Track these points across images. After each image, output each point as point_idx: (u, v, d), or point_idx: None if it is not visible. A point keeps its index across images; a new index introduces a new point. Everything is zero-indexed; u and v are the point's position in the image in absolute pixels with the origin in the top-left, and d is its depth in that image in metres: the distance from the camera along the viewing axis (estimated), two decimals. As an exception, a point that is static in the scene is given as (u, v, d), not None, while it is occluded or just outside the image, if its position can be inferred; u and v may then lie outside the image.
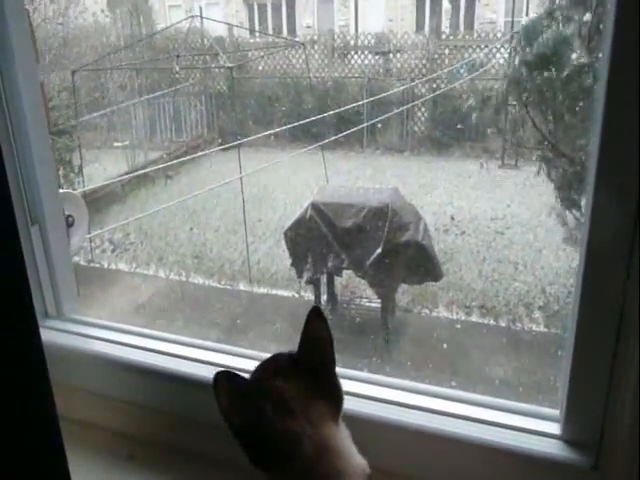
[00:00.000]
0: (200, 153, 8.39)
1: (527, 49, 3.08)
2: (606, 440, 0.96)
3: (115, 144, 7.70)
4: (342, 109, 6.28)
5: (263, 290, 5.03)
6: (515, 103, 8.40)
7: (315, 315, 0.82)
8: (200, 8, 9.12)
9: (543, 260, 5.54)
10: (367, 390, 1.16)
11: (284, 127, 8.73)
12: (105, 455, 1.25)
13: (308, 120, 6.81)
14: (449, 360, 3.99)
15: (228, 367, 1.18)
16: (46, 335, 0.85)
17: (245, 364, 1.21)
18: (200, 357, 1.32)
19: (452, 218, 6.67)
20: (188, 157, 7.86)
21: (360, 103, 7.54)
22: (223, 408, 0.79)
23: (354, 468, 0.77)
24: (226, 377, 0.78)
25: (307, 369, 0.82)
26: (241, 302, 4.88)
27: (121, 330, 1.44)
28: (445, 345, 4.18)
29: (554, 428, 1.04)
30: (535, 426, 1.05)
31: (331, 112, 6.00)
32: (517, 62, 3.29)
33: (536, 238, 6.07)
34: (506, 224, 6.49)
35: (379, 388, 1.17)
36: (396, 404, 1.12)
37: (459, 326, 4.45)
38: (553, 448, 1.01)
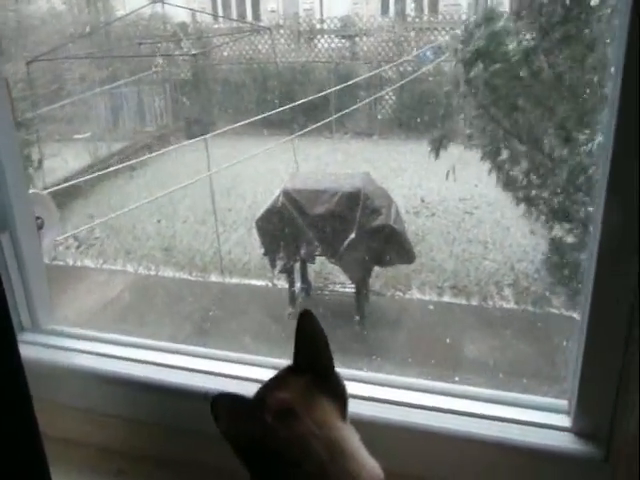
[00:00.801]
0: (170, 147, 8.21)
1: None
2: (617, 431, 0.95)
3: (76, 136, 7.45)
4: (311, 97, 6.19)
5: (236, 280, 4.97)
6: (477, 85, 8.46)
7: (306, 317, 0.80)
8: (159, -7, 8.90)
9: (511, 238, 5.62)
10: (365, 391, 1.13)
11: (255, 117, 8.63)
12: (94, 472, 1.20)
13: (278, 110, 6.70)
14: (424, 342, 4.02)
15: (216, 373, 1.17)
16: (22, 350, 0.80)
17: (233, 369, 1.17)
18: (186, 365, 1.27)
19: (422, 200, 6.70)
20: (154, 154, 7.67)
21: (330, 91, 7.46)
22: (224, 431, 0.76)
23: (368, 472, 0.73)
24: (224, 400, 0.76)
25: (306, 373, 0.80)
26: (213, 293, 4.80)
27: (102, 340, 1.38)
28: (419, 327, 4.21)
29: (564, 420, 1.02)
30: (544, 419, 1.03)
31: (303, 100, 5.90)
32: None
33: (503, 216, 6.15)
34: (474, 204, 6.56)
35: (377, 388, 1.14)
36: (397, 404, 1.09)
37: (432, 307, 4.50)
38: (564, 441, 0.99)
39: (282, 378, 0.81)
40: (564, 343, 3.81)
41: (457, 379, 3.57)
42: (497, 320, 4.33)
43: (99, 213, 6.08)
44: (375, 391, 1.14)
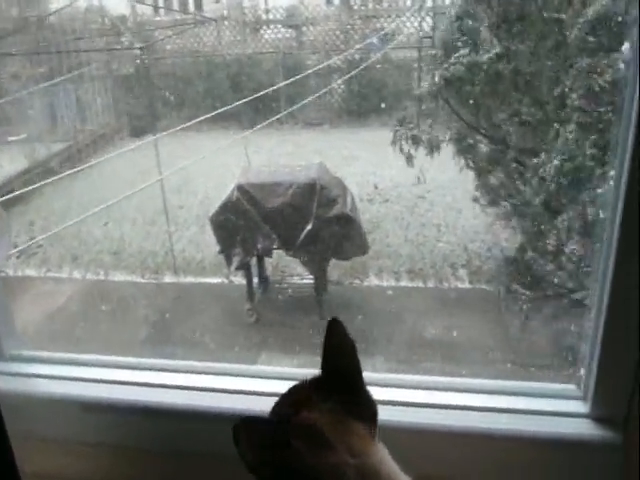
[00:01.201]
0: (117, 151, 7.89)
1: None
2: (632, 415, 0.92)
3: (10, 138, 7.04)
4: (260, 93, 6.04)
5: (191, 279, 4.81)
6: (427, 71, 8.53)
7: (334, 326, 0.74)
8: (95, -16, 8.50)
9: (463, 219, 5.71)
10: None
11: (203, 114, 8.37)
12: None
13: (227, 106, 6.51)
14: (385, 328, 4.03)
15: (199, 389, 1.07)
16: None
17: (219, 383, 1.07)
18: (165, 381, 1.16)
19: (375, 187, 6.71)
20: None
21: (281, 84, 7.32)
22: (249, 462, 0.67)
23: None
24: (246, 427, 0.67)
25: (332, 389, 0.71)
26: (168, 295, 4.63)
27: (73, 362, 1.26)
28: (379, 313, 4.22)
29: (579, 407, 0.99)
30: (561, 407, 1.00)
31: (252, 96, 5.74)
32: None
33: (455, 199, 6.24)
34: (426, 188, 6.63)
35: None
36: (404, 404, 1.02)
37: (391, 292, 4.51)
38: (583, 428, 0.97)
39: (305, 394, 0.72)
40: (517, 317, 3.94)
41: (416, 358, 3.62)
42: (453, 301, 4.40)
43: (41, 219, 5.77)
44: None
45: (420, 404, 1.03)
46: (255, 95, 7.82)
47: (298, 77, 5.64)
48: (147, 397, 1.13)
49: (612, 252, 0.90)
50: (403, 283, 4.64)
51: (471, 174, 6.25)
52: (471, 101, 3.25)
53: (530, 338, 3.90)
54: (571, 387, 1.02)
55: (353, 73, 6.40)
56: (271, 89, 5.60)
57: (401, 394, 1.04)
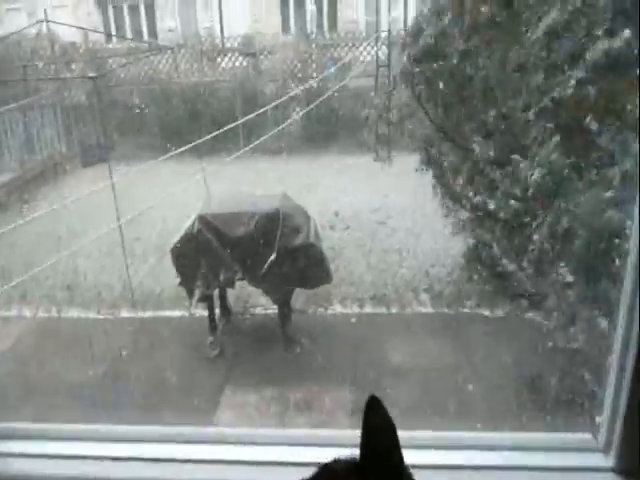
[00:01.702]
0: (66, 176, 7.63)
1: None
2: None
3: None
4: (226, 127, 5.98)
5: (150, 313, 4.62)
6: (383, 99, 8.70)
7: (374, 406, 0.69)
8: (45, 11, 8.26)
9: (423, 244, 5.78)
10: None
11: (159, 141, 8.15)
12: None
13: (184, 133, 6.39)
14: (349, 357, 3.97)
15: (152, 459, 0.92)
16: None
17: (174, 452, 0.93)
18: (142, 454, 1.03)
19: (336, 214, 6.72)
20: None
21: (240, 119, 7.28)
22: None
23: None
24: None
25: (373, 474, 0.67)
26: (126, 331, 4.43)
27: (44, 435, 1.08)
28: (343, 341, 4.17)
29: (601, 460, 0.94)
30: (582, 461, 0.94)
31: (215, 132, 5.67)
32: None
33: (415, 224, 6.33)
34: (387, 214, 6.69)
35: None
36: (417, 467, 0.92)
37: (354, 320, 4.47)
38: None
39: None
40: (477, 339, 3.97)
41: (384, 385, 3.57)
42: (416, 326, 4.41)
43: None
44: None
45: (433, 466, 0.96)
46: (214, 131, 7.72)
47: (259, 111, 5.61)
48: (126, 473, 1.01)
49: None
50: (367, 309, 4.65)
51: (430, 201, 6.38)
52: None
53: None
54: (587, 437, 0.98)
55: (312, 106, 6.45)
56: (231, 125, 5.55)
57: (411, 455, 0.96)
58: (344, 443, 0.72)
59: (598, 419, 0.96)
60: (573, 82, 2.04)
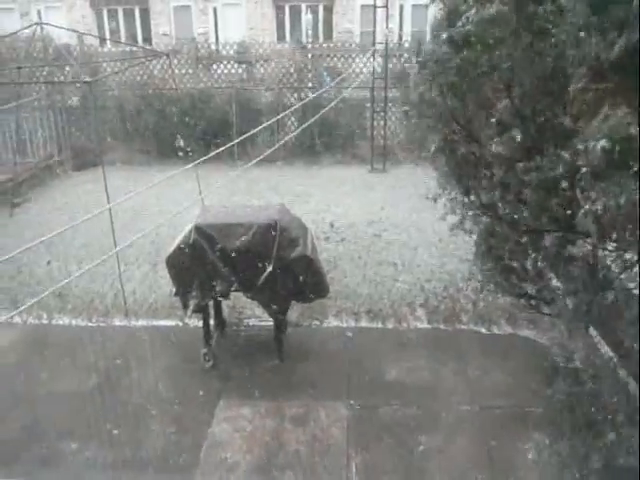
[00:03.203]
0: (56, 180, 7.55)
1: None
2: None
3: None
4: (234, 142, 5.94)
5: (142, 322, 4.57)
6: (379, 110, 8.72)
7: None
8: (38, 12, 8.20)
9: (419, 258, 5.76)
10: None
11: (152, 147, 8.06)
12: None
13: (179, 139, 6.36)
14: (345, 372, 3.94)
15: None
16: None
17: None
18: None
19: (331, 225, 6.70)
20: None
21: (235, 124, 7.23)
22: None
23: None
24: None
25: None
26: (118, 339, 4.36)
27: None
28: (339, 355, 4.13)
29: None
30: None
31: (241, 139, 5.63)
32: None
33: (410, 237, 6.32)
34: (382, 227, 6.68)
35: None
36: None
37: (350, 334, 4.44)
38: None
39: None
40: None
41: (377, 403, 3.55)
42: (411, 341, 4.37)
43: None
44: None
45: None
46: (209, 137, 7.64)
47: (258, 129, 5.55)
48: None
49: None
50: (363, 323, 4.60)
51: (425, 215, 6.35)
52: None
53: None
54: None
55: (312, 120, 6.43)
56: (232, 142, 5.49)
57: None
58: None
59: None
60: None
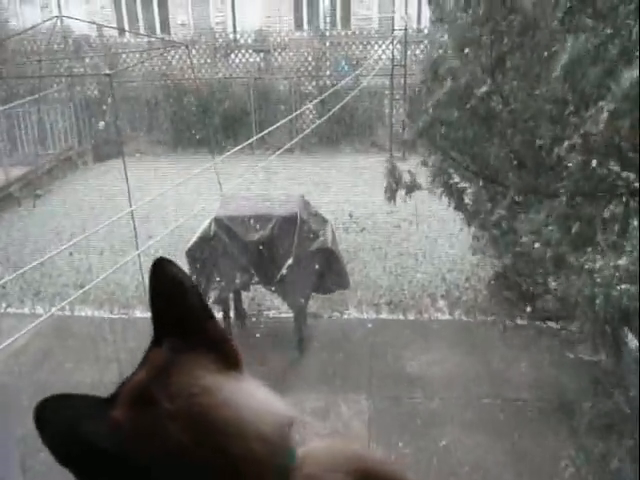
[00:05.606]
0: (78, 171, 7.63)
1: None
2: None
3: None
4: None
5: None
6: (398, 98, 8.61)
7: (159, 267, 0.56)
8: (59, 3, 8.21)
9: (439, 249, 5.69)
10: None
11: (172, 137, 7.99)
12: None
13: (197, 129, 6.34)
14: (365, 364, 3.92)
15: None
16: None
17: None
18: None
19: (350, 216, 6.65)
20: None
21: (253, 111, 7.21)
22: (54, 444, 0.51)
23: (257, 427, 0.51)
24: (56, 402, 0.51)
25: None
26: (139, 331, 4.39)
27: None
28: (359, 347, 4.11)
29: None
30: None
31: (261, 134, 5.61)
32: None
33: (430, 228, 6.23)
34: (401, 217, 6.61)
35: None
36: None
37: (370, 325, 4.41)
38: None
39: (144, 360, 0.57)
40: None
41: (399, 394, 3.53)
42: (433, 333, 4.33)
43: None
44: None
45: None
46: (228, 127, 7.60)
47: (278, 124, 5.51)
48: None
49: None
50: (383, 315, 4.57)
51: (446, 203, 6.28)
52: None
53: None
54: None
55: (332, 112, 6.35)
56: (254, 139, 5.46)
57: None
58: None
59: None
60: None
